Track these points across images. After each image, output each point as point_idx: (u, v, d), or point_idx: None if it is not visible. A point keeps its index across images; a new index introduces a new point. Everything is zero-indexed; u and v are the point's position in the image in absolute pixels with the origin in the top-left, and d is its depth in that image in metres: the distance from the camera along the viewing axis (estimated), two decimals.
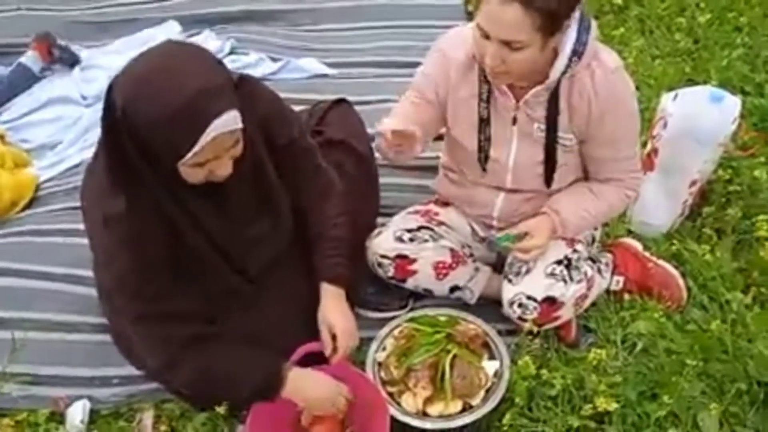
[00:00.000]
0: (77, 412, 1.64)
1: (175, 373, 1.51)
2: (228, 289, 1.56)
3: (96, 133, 2.36)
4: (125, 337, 1.69)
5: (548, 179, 1.66)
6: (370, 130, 2.04)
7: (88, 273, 1.78)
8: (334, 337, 1.54)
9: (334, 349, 1.53)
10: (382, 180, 1.99)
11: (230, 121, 1.29)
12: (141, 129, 1.26)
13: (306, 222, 1.64)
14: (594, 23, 1.50)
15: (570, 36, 1.46)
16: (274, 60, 2.66)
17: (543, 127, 1.58)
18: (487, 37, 1.42)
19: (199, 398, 1.60)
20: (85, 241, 1.91)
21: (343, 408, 1.51)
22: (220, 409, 1.57)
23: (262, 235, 1.57)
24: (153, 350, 1.51)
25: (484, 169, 1.68)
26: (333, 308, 1.55)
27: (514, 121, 1.60)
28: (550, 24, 1.39)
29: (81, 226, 1.98)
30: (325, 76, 2.62)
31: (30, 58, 2.59)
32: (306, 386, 1.48)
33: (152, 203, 1.38)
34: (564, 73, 1.49)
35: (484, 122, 1.61)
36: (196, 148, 1.26)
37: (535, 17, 1.36)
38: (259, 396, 1.47)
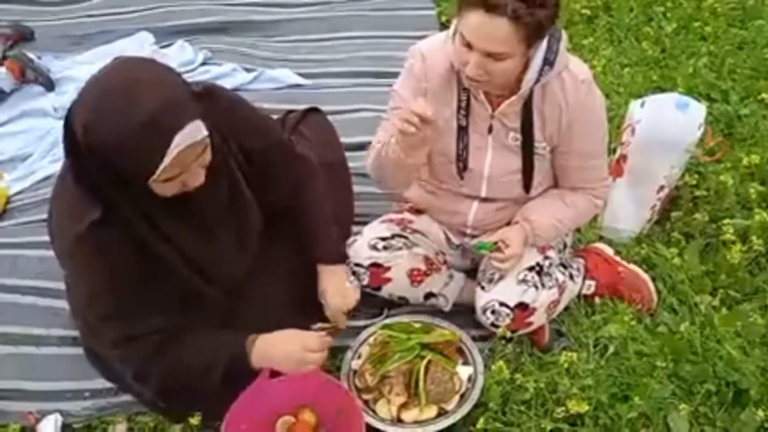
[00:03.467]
0: (49, 427, 1.61)
1: (147, 382, 1.51)
2: (202, 302, 1.56)
3: None
4: (97, 351, 1.68)
5: (527, 186, 1.68)
6: (343, 140, 2.06)
7: (58, 285, 1.76)
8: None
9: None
10: (356, 188, 2.00)
11: (193, 132, 1.27)
12: (104, 151, 1.23)
13: (293, 214, 1.68)
14: (564, 33, 1.52)
15: (541, 46, 1.47)
16: (247, 70, 2.66)
17: (518, 136, 1.60)
18: (469, 46, 1.42)
19: (174, 402, 1.58)
20: None
21: (317, 361, 1.52)
22: (194, 420, 1.56)
23: (233, 248, 1.57)
24: (123, 364, 1.53)
25: (461, 177, 1.70)
26: (325, 283, 1.66)
27: (490, 129, 1.61)
28: (535, 34, 1.41)
29: None
30: (299, 86, 2.63)
31: (1, 77, 2.56)
32: (272, 354, 1.50)
33: (120, 221, 1.36)
34: (536, 82, 1.51)
35: (462, 131, 1.63)
36: (163, 165, 1.25)
37: (522, 30, 1.37)
38: (233, 377, 1.49)
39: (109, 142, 1.22)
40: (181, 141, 1.25)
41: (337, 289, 1.66)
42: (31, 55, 2.65)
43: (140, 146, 1.22)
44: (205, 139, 1.31)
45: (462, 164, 1.67)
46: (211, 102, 1.37)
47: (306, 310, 1.72)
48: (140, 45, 2.80)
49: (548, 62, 1.49)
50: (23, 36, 2.86)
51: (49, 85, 2.60)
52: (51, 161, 2.34)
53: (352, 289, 1.69)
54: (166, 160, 1.25)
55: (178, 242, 1.45)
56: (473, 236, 1.79)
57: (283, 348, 1.51)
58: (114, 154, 1.23)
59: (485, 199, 1.73)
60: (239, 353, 1.49)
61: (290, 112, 2.02)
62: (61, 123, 2.39)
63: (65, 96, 2.55)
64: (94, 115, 1.22)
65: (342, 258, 1.72)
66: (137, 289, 1.42)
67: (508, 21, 1.35)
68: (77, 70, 2.66)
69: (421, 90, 1.61)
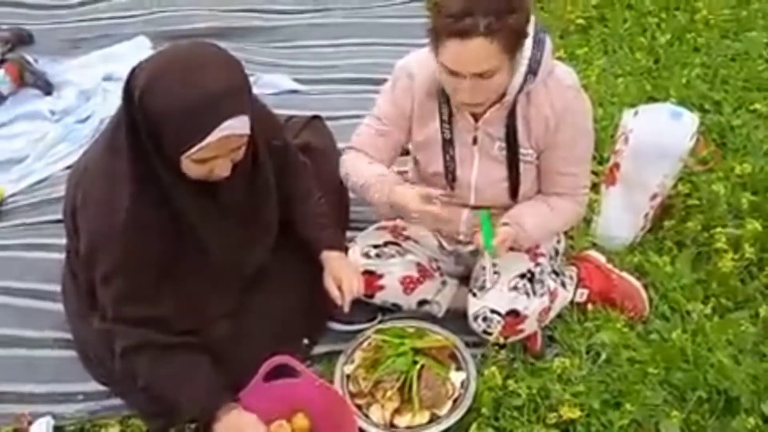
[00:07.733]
0: (40, 430, 1.61)
1: (131, 364, 1.51)
2: (215, 292, 1.57)
3: (63, 148, 2.39)
4: (91, 351, 1.68)
5: (514, 193, 1.69)
6: (340, 145, 2.07)
7: (53, 288, 1.76)
8: (340, 289, 1.62)
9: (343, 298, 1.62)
10: (352, 195, 2.00)
11: (242, 125, 1.33)
12: (154, 117, 1.29)
13: (294, 215, 1.70)
14: (548, 39, 1.53)
15: (524, 54, 1.48)
16: None
17: (504, 145, 1.61)
18: (456, 74, 1.43)
19: (151, 402, 1.58)
20: (50, 255, 1.91)
21: None
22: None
23: (251, 239, 1.59)
24: (119, 341, 1.50)
25: (452, 188, 1.71)
26: (337, 267, 1.65)
27: (475, 141, 1.62)
28: (515, 40, 1.42)
29: (46, 241, 1.99)
30: (295, 92, 2.64)
31: (0, 80, 2.57)
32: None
33: (157, 196, 1.39)
34: (520, 90, 1.52)
35: (447, 143, 1.64)
36: (203, 144, 1.29)
37: (499, 40, 1.38)
38: (196, 418, 1.50)
39: (161, 108, 1.27)
40: (227, 128, 1.30)
41: (351, 272, 1.65)
42: (29, 58, 2.65)
43: (191, 118, 1.27)
44: (246, 136, 1.36)
45: (451, 176, 1.68)
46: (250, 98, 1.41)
47: (310, 318, 1.74)
48: (138, 49, 2.80)
49: (531, 70, 1.50)
50: (22, 39, 2.87)
51: (47, 89, 2.60)
52: (47, 164, 2.34)
53: (360, 276, 1.67)
54: (209, 139, 1.29)
55: (202, 223, 1.47)
56: (467, 243, 1.80)
57: None
58: (162, 120, 1.28)
59: (476, 207, 1.74)
60: (209, 410, 1.46)
61: (291, 117, 2.04)
62: (57, 126, 2.46)
63: (62, 99, 2.56)
64: (154, 80, 1.28)
65: (343, 248, 1.72)
66: (156, 271, 1.44)
67: (484, 38, 1.36)
68: (74, 73, 2.67)
69: (407, 111, 1.63)
